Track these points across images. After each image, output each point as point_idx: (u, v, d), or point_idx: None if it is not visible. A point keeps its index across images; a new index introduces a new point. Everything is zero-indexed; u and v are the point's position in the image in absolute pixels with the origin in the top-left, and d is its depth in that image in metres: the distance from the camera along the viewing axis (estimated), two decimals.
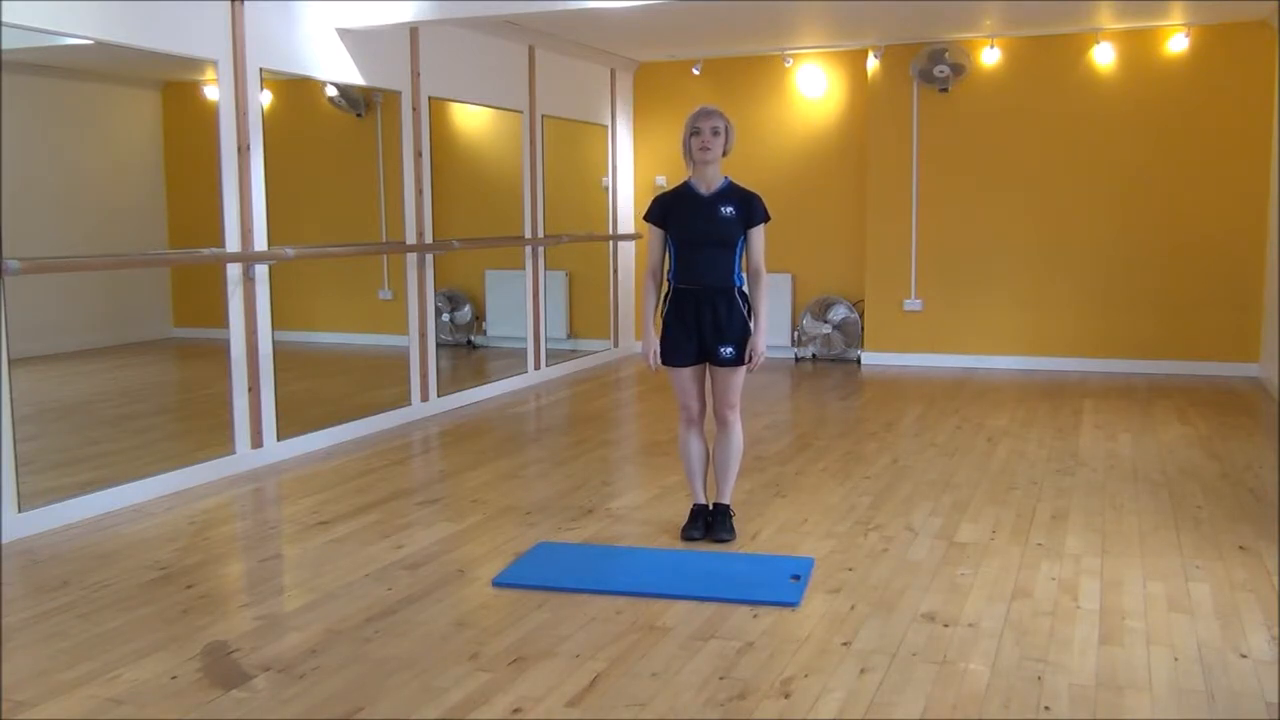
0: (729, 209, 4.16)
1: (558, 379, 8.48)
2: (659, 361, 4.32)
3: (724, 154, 4.20)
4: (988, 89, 8.64)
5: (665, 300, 4.30)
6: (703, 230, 4.16)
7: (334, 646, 3.29)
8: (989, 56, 8.55)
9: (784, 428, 6.59)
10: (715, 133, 4.15)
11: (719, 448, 4.36)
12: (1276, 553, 4.08)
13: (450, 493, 5.10)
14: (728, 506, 4.41)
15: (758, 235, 4.21)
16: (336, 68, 6.21)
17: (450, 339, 8.62)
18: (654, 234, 4.31)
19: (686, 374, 4.28)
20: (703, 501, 4.43)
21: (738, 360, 4.20)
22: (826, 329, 9.21)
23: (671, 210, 4.23)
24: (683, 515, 4.59)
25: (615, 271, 9.51)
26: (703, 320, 4.18)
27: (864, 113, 9.03)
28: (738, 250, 4.20)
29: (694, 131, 4.16)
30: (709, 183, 4.20)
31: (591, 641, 3.30)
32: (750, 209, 4.19)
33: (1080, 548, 4.18)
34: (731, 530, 4.36)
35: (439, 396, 7.17)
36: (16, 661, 3.22)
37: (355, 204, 7.31)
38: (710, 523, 4.38)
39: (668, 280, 4.29)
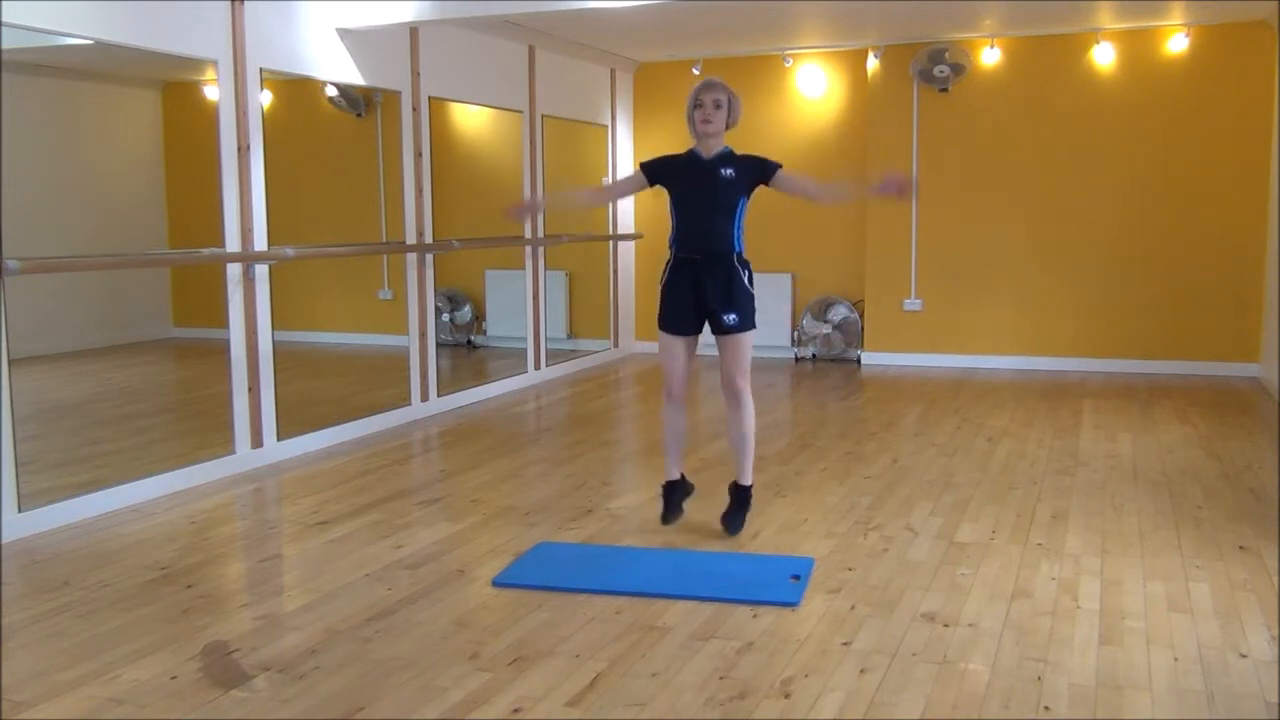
0: (729, 171, 4.17)
1: (558, 379, 8.48)
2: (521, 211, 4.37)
3: (728, 126, 4.21)
4: (988, 89, 8.64)
5: (665, 269, 4.30)
6: (703, 193, 4.18)
7: (334, 646, 3.29)
8: (989, 56, 8.55)
9: (784, 428, 6.59)
10: (718, 105, 4.16)
11: (731, 425, 4.34)
12: (1276, 553, 4.08)
13: (450, 493, 5.10)
14: (748, 489, 4.39)
15: (787, 179, 4.20)
16: (336, 68, 6.21)
17: (450, 339, 8.62)
18: (635, 178, 4.34)
19: (679, 343, 4.28)
20: (675, 478, 4.44)
21: (742, 327, 4.20)
22: (826, 329, 9.21)
23: (672, 171, 4.26)
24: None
25: (615, 271, 9.51)
26: (704, 290, 4.18)
27: (864, 113, 9.03)
28: (738, 215, 4.19)
29: (697, 104, 4.17)
30: (710, 151, 4.22)
31: (591, 641, 3.30)
32: (755, 167, 4.19)
33: (1080, 548, 4.18)
34: (741, 523, 4.35)
35: (439, 396, 7.17)
36: (16, 661, 3.22)
37: (355, 204, 7.31)
38: (728, 506, 4.39)
39: (669, 248, 4.29)
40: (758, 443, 5.91)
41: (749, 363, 4.28)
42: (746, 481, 4.39)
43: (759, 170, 4.20)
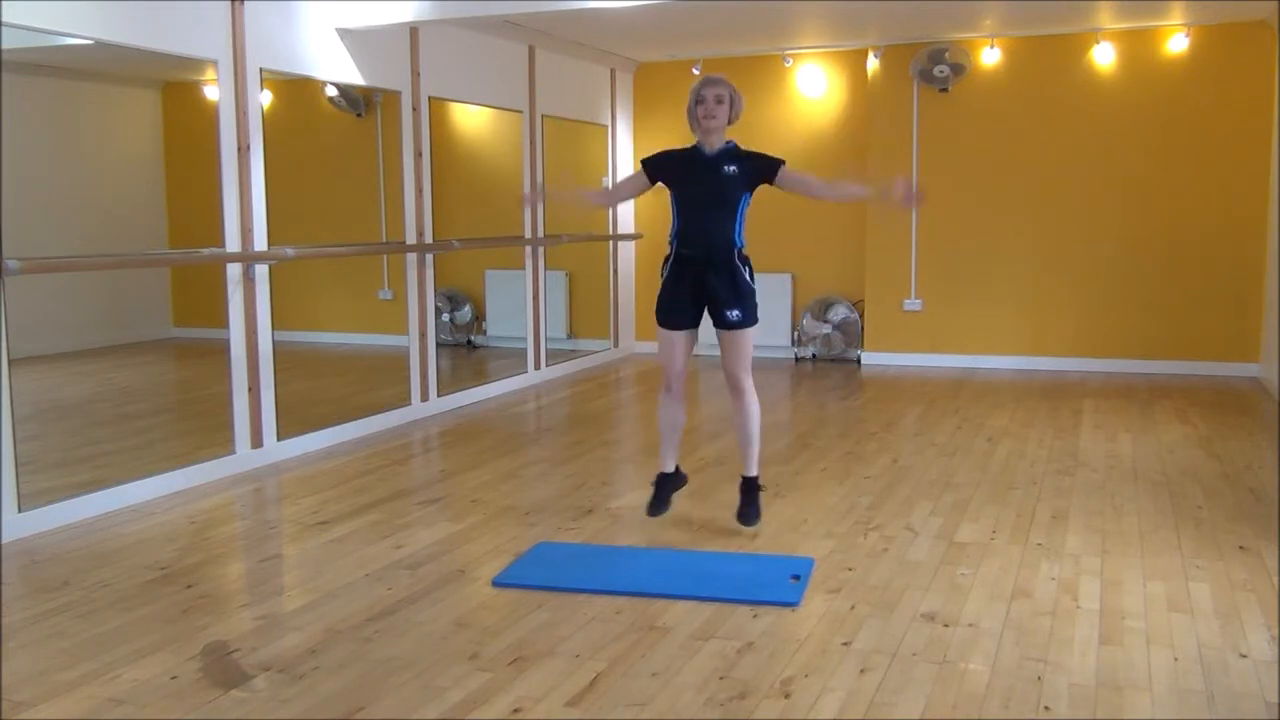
0: (731, 168, 4.17)
1: (558, 379, 8.48)
2: (539, 194, 4.31)
3: (730, 122, 4.20)
4: (988, 89, 8.64)
5: (666, 264, 4.30)
6: (705, 189, 4.17)
7: (334, 646, 3.29)
8: (989, 56, 8.54)
9: (784, 428, 6.58)
10: (719, 101, 4.15)
11: (737, 417, 4.36)
12: (1276, 553, 4.08)
13: (450, 493, 5.11)
14: (755, 480, 4.40)
15: (791, 176, 4.21)
16: (336, 68, 6.21)
17: (450, 339, 8.62)
18: (637, 177, 4.34)
19: (678, 338, 4.29)
20: (669, 470, 4.45)
21: (745, 322, 4.20)
22: (826, 329, 9.21)
23: (674, 166, 4.26)
24: (682, 515, 4.60)
25: (615, 271, 9.51)
26: (706, 286, 4.19)
27: (864, 113, 9.03)
28: (739, 212, 4.19)
29: (699, 100, 4.17)
30: (713, 147, 4.21)
31: (591, 641, 3.30)
32: (759, 165, 4.19)
33: (1080, 548, 4.18)
34: (757, 514, 4.36)
35: (439, 396, 7.17)
36: (16, 661, 3.22)
37: (355, 204, 7.31)
38: (739, 502, 4.41)
39: (669, 244, 4.29)
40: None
41: (750, 357, 4.30)
42: (752, 473, 4.40)
43: (763, 168, 4.19)
